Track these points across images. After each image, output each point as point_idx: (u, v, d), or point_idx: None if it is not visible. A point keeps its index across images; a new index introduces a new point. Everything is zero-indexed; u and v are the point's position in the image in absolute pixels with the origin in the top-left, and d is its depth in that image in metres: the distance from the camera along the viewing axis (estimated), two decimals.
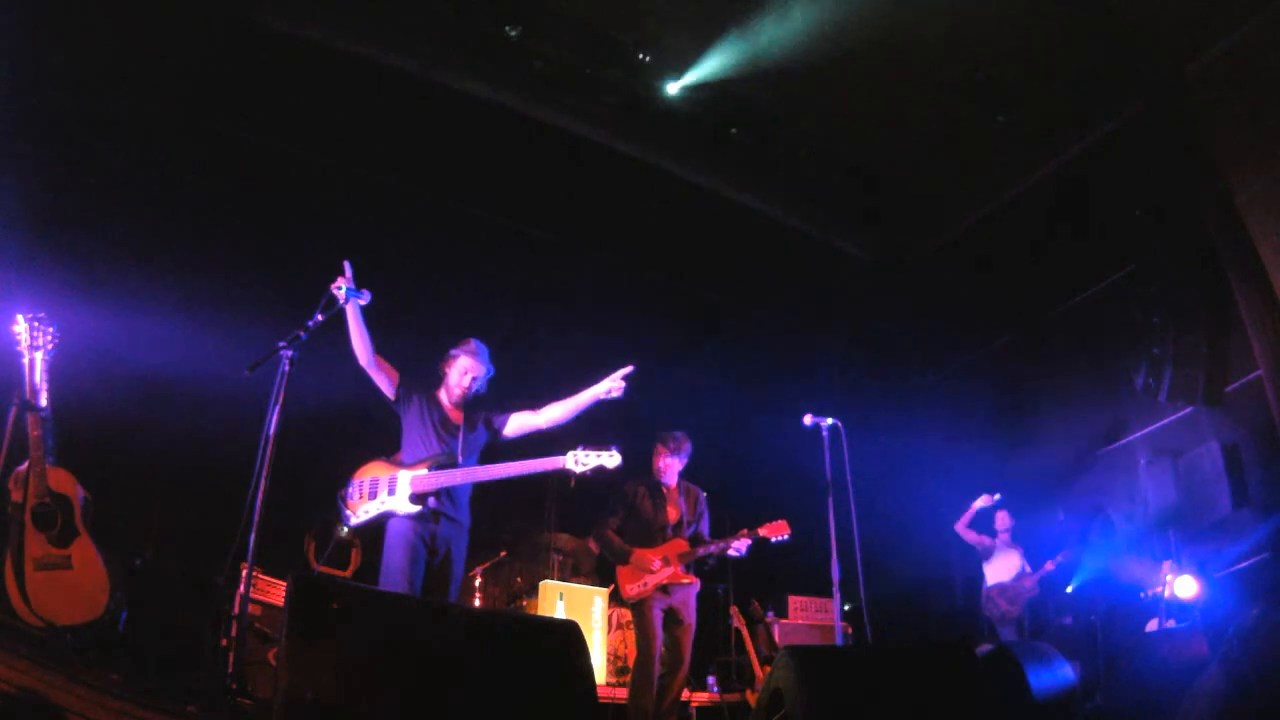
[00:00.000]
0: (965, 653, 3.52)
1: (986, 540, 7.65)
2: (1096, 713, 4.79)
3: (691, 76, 6.99)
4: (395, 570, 4.17)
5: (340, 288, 4.20)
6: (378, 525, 4.44)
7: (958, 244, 8.78)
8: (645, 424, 5.81)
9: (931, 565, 8.89)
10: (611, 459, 4.28)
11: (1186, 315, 7.27)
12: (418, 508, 4.24)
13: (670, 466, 5.46)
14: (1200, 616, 5.91)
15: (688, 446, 5.47)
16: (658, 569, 5.20)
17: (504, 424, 4.60)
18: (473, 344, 4.67)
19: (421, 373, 4.70)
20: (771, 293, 9.26)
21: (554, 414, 4.53)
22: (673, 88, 7.04)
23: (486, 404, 4.67)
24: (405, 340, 6.18)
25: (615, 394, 4.46)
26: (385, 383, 4.55)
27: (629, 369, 4.49)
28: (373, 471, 4.38)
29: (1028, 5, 6.37)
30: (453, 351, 4.65)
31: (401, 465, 4.38)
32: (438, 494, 4.30)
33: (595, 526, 5.51)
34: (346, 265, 4.30)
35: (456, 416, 4.57)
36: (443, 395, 4.61)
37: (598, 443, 4.32)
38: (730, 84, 7.11)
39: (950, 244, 8.84)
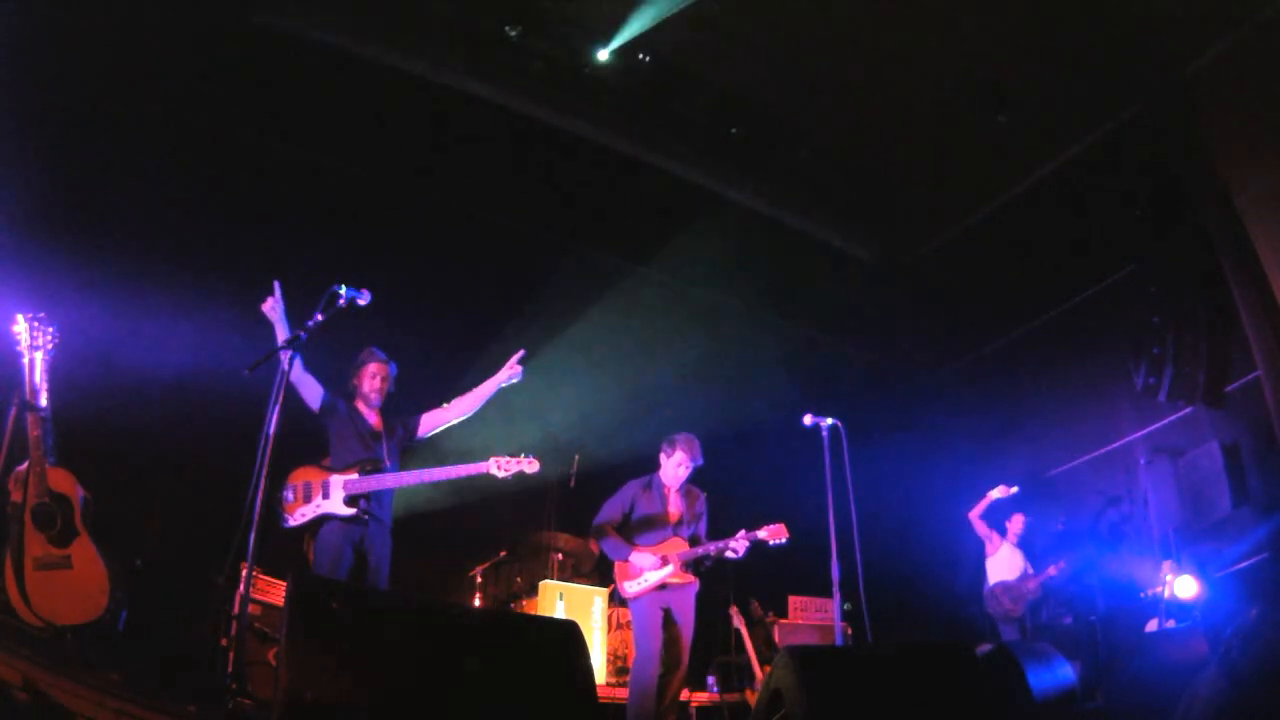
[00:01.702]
0: (965, 653, 3.53)
1: (995, 536, 7.62)
2: (1096, 713, 4.79)
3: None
4: (322, 568, 4.45)
5: (273, 308, 4.51)
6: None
7: (958, 244, 8.77)
8: (646, 424, 5.81)
9: (931, 565, 8.88)
10: (530, 465, 4.69)
11: (1186, 315, 7.26)
12: (352, 510, 4.52)
13: (682, 468, 5.43)
14: (1200, 616, 5.91)
15: (699, 450, 5.46)
16: (657, 567, 5.20)
17: (416, 425, 4.96)
18: (371, 350, 5.00)
19: (342, 384, 4.96)
20: (771, 292, 9.26)
21: (461, 406, 4.94)
22: (671, 87, 7.05)
23: (400, 408, 5.02)
24: (404, 339, 6.18)
25: (515, 378, 4.92)
26: (312, 394, 4.79)
27: (521, 352, 4.94)
28: (305, 476, 4.63)
29: (1028, 5, 6.37)
30: (356, 362, 4.98)
31: (331, 470, 4.64)
32: (367, 497, 4.59)
33: (595, 523, 5.49)
34: (276, 285, 4.54)
35: (378, 424, 4.89)
36: (361, 405, 4.91)
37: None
38: (731, 84, 7.11)
39: (950, 244, 8.84)
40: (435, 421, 4.95)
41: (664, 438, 5.50)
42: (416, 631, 2.83)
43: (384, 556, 4.66)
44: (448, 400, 4.99)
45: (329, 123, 6.88)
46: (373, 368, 4.90)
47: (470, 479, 4.73)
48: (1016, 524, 7.60)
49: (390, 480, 4.61)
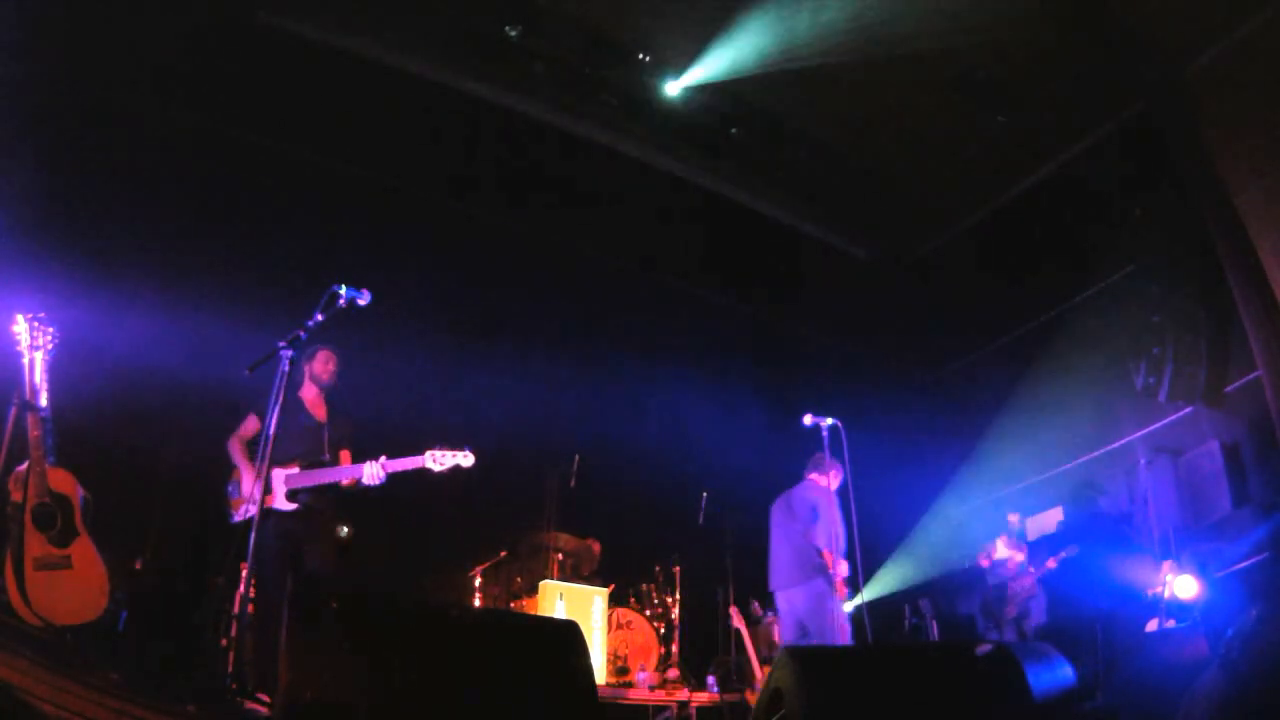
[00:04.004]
0: (965, 653, 3.52)
1: (995, 539, 7.64)
2: (1096, 713, 4.79)
3: (691, 77, 7.00)
4: (266, 564, 4.39)
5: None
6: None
7: (958, 244, 8.77)
8: (644, 424, 5.80)
9: (931, 565, 8.87)
10: (466, 459, 4.60)
11: (1186, 315, 7.25)
12: (294, 505, 4.53)
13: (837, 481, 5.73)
14: (1200, 616, 5.90)
15: None
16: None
17: (349, 441, 4.88)
18: (322, 343, 4.97)
19: (267, 391, 4.70)
20: (772, 293, 9.26)
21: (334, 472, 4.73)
22: (673, 88, 7.05)
23: (348, 416, 4.99)
24: (402, 340, 6.18)
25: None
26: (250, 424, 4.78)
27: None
28: (250, 470, 4.64)
29: (1028, 5, 6.37)
30: (310, 349, 4.91)
31: (274, 464, 4.52)
32: (309, 490, 4.59)
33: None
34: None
35: (322, 415, 4.87)
36: (305, 393, 4.88)
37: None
38: (731, 84, 7.11)
39: (950, 244, 8.84)
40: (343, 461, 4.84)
41: (811, 458, 5.82)
42: (416, 631, 2.82)
43: (315, 544, 4.65)
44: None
45: (330, 123, 6.88)
46: (325, 354, 4.95)
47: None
48: (1013, 525, 7.61)
49: (329, 474, 4.63)
